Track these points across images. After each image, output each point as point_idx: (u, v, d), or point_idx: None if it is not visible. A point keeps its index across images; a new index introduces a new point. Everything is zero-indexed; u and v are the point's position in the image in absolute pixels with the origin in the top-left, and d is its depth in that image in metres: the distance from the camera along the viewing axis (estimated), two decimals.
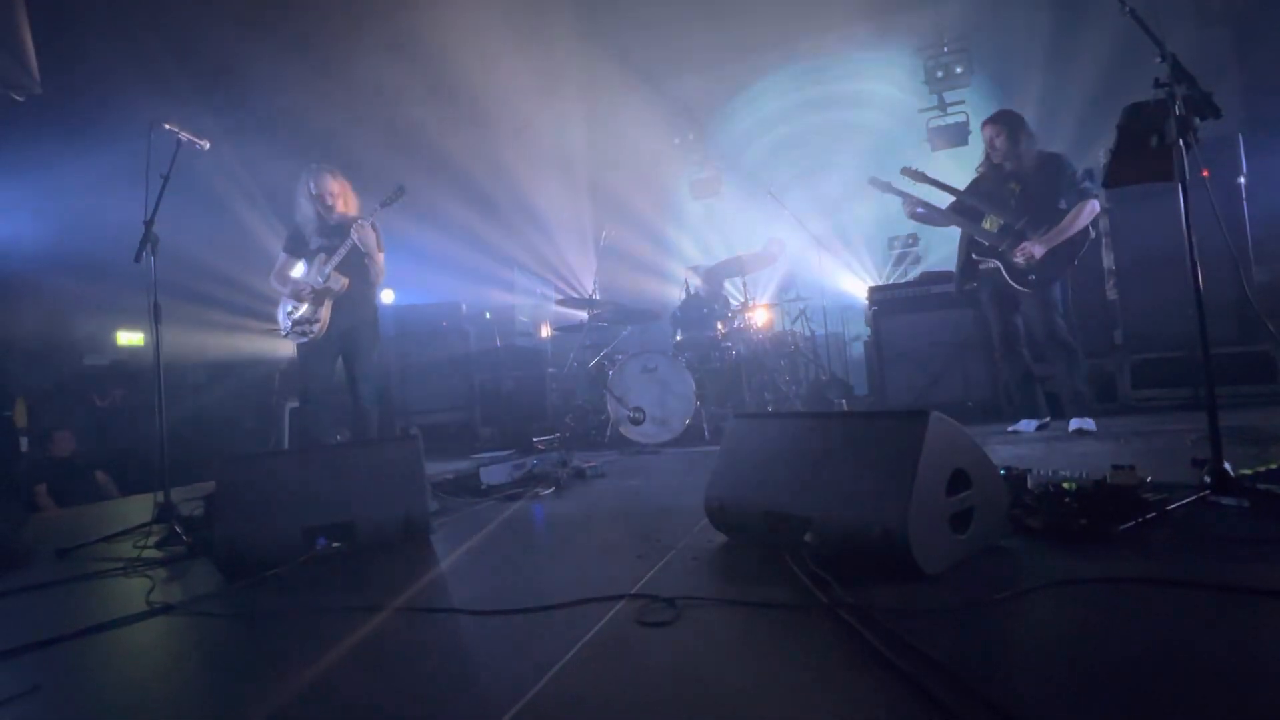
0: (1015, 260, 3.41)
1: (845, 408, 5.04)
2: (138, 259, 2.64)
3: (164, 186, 2.72)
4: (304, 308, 3.39)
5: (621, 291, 7.12)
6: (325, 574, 1.76)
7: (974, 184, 3.69)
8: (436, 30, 5.78)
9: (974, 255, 3.62)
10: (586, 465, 3.23)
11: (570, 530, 2.14)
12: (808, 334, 5.54)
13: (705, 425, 4.37)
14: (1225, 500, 1.62)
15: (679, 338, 4.95)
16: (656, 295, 7.56)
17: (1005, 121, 3.48)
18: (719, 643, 1.14)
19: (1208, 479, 1.66)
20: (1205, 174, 4.44)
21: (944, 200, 3.77)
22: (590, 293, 5.04)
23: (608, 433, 4.57)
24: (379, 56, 6.06)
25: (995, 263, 3.51)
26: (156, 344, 2.70)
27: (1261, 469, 1.78)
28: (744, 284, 5.12)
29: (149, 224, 2.66)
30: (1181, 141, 1.62)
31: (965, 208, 3.66)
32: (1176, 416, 3.61)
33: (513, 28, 6.11)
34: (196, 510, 2.51)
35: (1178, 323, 4.00)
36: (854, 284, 6.99)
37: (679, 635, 1.17)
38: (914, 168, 3.73)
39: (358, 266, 3.43)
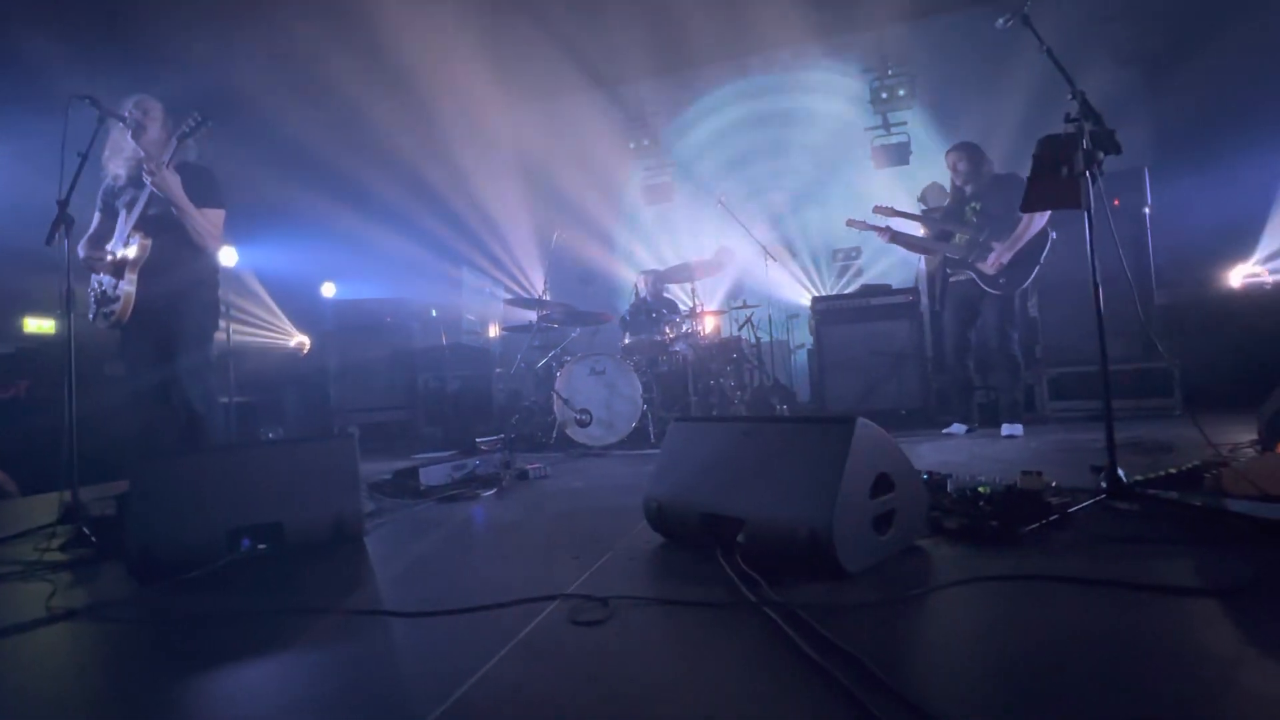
0: (986, 269, 3.77)
1: (785, 412, 5.18)
2: (49, 241, 2.46)
3: (82, 165, 2.54)
4: (105, 281, 2.76)
5: (572, 293, 7.10)
6: (249, 577, 1.69)
7: (939, 210, 4.13)
8: (387, 19, 5.64)
9: (948, 271, 3.98)
10: (530, 467, 3.21)
11: (509, 531, 2.13)
12: (753, 340, 5.67)
13: (651, 428, 4.40)
14: (1119, 504, 1.77)
15: (627, 341, 4.97)
16: (606, 298, 7.58)
17: (967, 149, 3.92)
18: (648, 641, 1.16)
19: (1104, 485, 1.80)
20: (1116, 203, 4.77)
21: (907, 228, 4.14)
22: (540, 293, 5.00)
23: (554, 434, 4.55)
24: (327, 45, 5.86)
25: (968, 273, 3.85)
26: (69, 332, 2.52)
27: (1151, 476, 1.95)
28: (693, 290, 5.20)
29: (63, 204, 2.48)
30: (1087, 173, 1.76)
31: (937, 232, 4.04)
32: (1086, 427, 3.89)
33: (468, 25, 6.02)
34: (108, 510, 2.36)
35: (1090, 340, 4.30)
36: (799, 293, 7.19)
37: (610, 634, 1.18)
38: (885, 205, 4.12)
39: (167, 224, 2.72)
